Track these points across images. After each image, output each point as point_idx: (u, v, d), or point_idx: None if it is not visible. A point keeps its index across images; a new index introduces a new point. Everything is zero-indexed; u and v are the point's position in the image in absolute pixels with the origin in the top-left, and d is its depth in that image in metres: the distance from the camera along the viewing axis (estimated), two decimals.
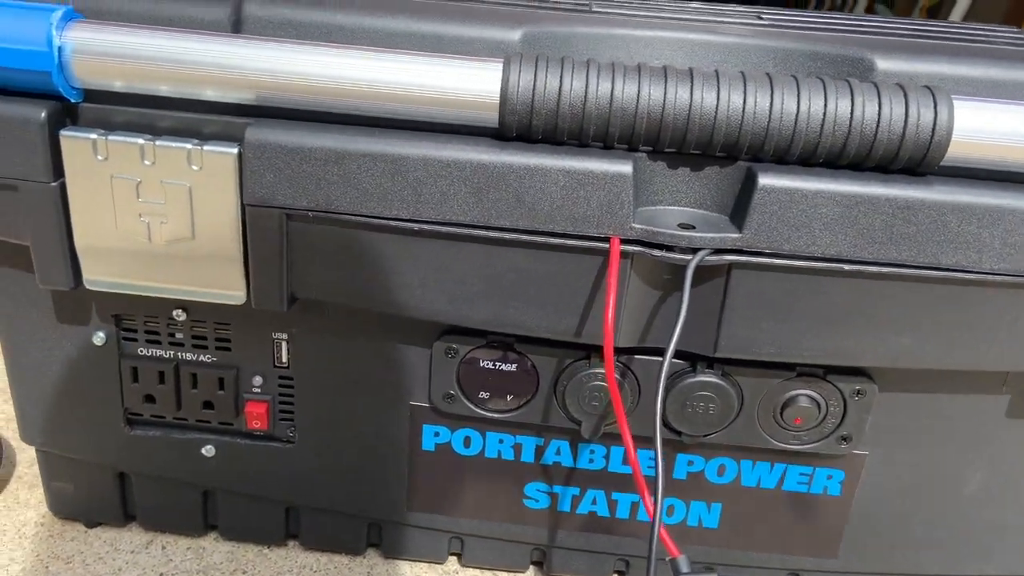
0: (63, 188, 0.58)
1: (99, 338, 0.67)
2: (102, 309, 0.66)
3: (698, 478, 0.68)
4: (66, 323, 0.67)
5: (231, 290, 0.61)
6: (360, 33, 0.59)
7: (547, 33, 0.59)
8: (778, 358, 0.60)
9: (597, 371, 0.63)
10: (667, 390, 0.63)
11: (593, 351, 0.63)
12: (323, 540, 0.75)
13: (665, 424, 0.65)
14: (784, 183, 0.54)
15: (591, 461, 0.69)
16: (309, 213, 0.57)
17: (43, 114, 0.56)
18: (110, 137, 0.57)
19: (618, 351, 0.63)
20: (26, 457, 0.84)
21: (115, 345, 0.67)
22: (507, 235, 0.56)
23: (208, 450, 0.71)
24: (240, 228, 0.58)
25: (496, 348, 0.64)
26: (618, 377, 0.63)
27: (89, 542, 0.75)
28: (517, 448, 0.69)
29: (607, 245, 0.56)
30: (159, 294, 0.62)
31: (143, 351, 0.68)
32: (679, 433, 0.65)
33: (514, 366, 0.64)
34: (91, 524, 0.76)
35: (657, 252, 0.56)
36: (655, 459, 0.56)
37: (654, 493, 0.55)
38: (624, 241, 0.56)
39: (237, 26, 0.59)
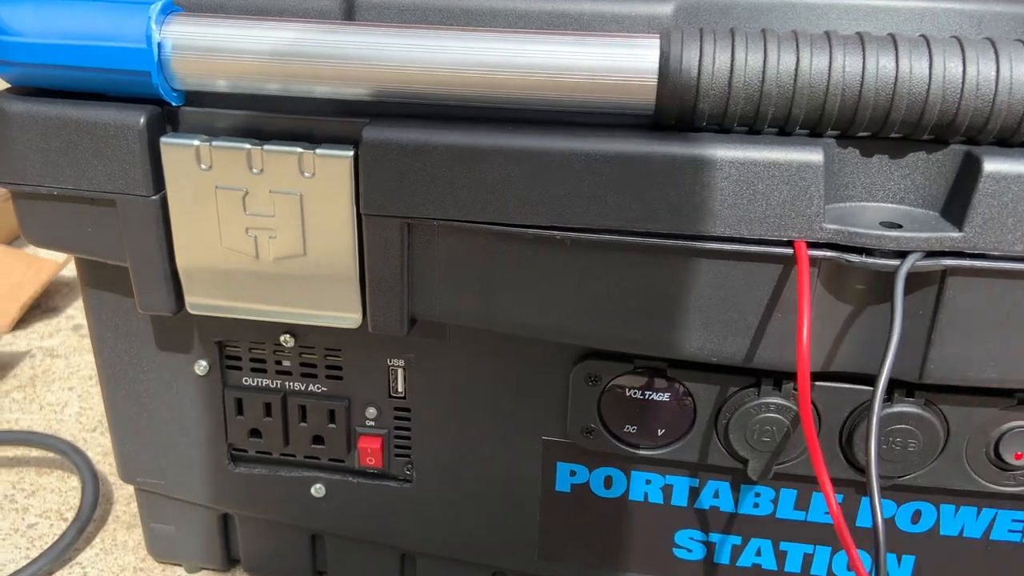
0: (164, 202, 0.52)
1: (201, 367, 0.61)
2: (204, 335, 0.60)
3: (888, 526, 0.58)
4: (166, 351, 0.61)
5: (345, 312, 0.54)
6: (488, 15, 0.51)
7: (703, 3, 0.50)
8: (1000, 384, 0.49)
9: (769, 401, 0.53)
10: (857, 423, 0.53)
11: (763, 377, 0.53)
12: None
13: (850, 463, 0.55)
14: (1017, 169, 0.44)
15: (756, 506, 0.59)
16: (435, 222, 0.50)
17: (142, 120, 0.50)
18: (214, 143, 0.51)
19: (791, 377, 0.53)
20: (124, 495, 0.79)
21: (218, 374, 0.61)
22: (667, 242, 0.48)
23: (318, 490, 0.64)
24: (356, 242, 0.51)
25: (646, 375, 0.55)
26: (792, 407, 0.53)
27: None
28: (667, 490, 0.59)
29: (790, 251, 0.46)
30: (267, 318, 0.55)
31: (248, 381, 0.62)
32: (862, 471, 0.55)
33: (667, 396, 0.55)
34: (193, 569, 0.70)
35: (854, 257, 0.46)
36: (871, 508, 0.45)
37: (874, 547, 0.45)
38: (812, 245, 0.46)
39: (349, 13, 0.52)
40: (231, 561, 0.70)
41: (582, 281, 0.50)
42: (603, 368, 0.55)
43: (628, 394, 0.56)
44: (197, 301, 0.55)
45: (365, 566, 0.67)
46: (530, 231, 0.49)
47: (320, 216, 0.51)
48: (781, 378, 0.53)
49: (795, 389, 0.53)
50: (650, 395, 0.55)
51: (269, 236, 0.52)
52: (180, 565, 0.71)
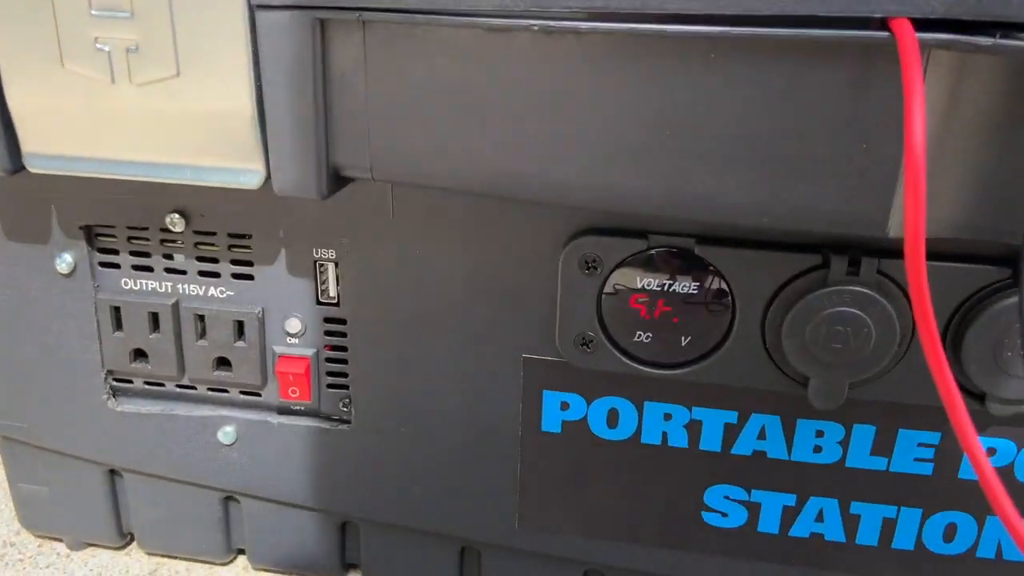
0: None
1: (64, 263, 0.45)
2: (66, 217, 0.45)
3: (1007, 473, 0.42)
4: (15, 239, 0.46)
5: (240, 163, 0.38)
6: None
7: None
8: None
9: (844, 289, 0.37)
10: (970, 321, 0.37)
11: (834, 254, 0.37)
12: (393, 573, 0.51)
13: (961, 386, 0.38)
14: None
15: (818, 450, 0.43)
16: (359, 15, 0.34)
17: None
18: None
19: (876, 251, 0.37)
20: None
21: (88, 274, 0.46)
22: (698, 29, 0.32)
23: (226, 434, 0.48)
24: (251, 52, 0.36)
25: (665, 256, 0.39)
26: (876, 296, 0.37)
27: (71, 571, 0.53)
28: (694, 428, 0.43)
29: (885, 34, 0.31)
30: (131, 174, 0.39)
31: (128, 283, 0.46)
32: (981, 398, 0.39)
33: (695, 287, 0.39)
34: (76, 545, 0.55)
35: (984, 40, 0.30)
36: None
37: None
38: (921, 24, 0.30)
39: None
40: (124, 535, 0.54)
41: (572, 97, 0.34)
42: (604, 248, 0.39)
43: (640, 285, 0.40)
44: (37, 151, 0.40)
45: (294, 537, 0.51)
46: (494, 21, 0.33)
47: (197, 14, 0.36)
48: (859, 254, 0.37)
49: (880, 271, 0.37)
50: (671, 286, 0.39)
51: (127, 49, 0.37)
52: (60, 540, 0.55)
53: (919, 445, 0.41)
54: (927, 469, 0.42)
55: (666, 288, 0.39)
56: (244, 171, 0.39)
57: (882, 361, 0.38)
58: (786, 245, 0.38)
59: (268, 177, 0.38)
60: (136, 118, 0.38)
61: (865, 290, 0.37)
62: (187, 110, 0.38)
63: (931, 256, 0.30)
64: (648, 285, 0.40)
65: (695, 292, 0.39)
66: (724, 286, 0.39)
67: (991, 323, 0.37)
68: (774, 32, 0.31)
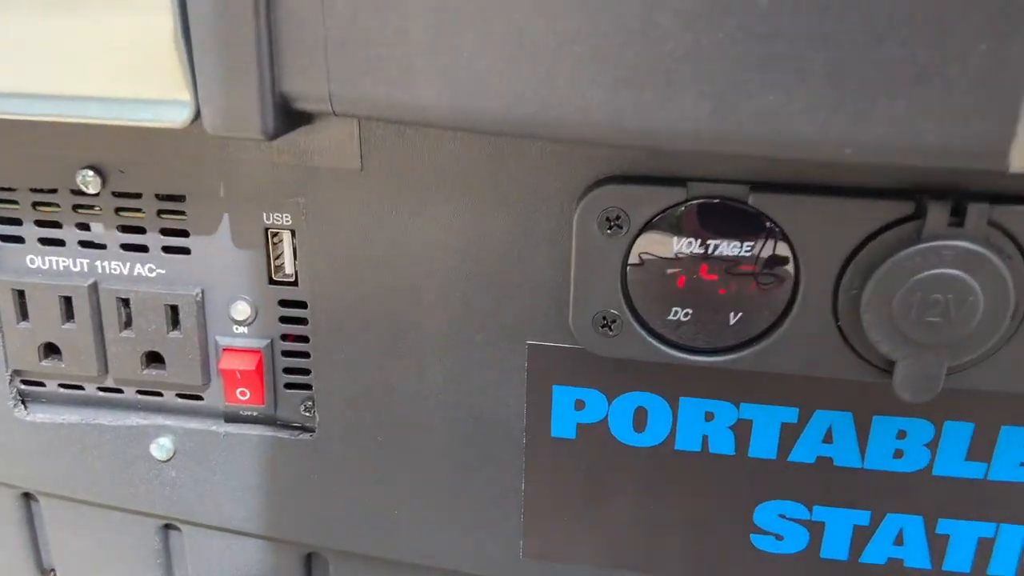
0: None
1: None
2: None
3: None
4: None
5: (160, 93, 0.30)
6: None
7: None
8: None
9: (946, 245, 0.29)
10: None
11: (931, 200, 0.29)
12: None
13: None
14: None
15: (899, 455, 0.34)
16: None
17: None
18: None
19: (988, 197, 0.29)
20: None
21: None
22: None
23: (161, 448, 0.39)
24: None
25: (710, 208, 0.31)
26: (986, 254, 0.29)
27: None
28: (743, 431, 0.35)
29: None
30: (23, 112, 0.31)
31: (35, 261, 0.37)
32: None
33: (747, 247, 0.31)
34: None
35: None
36: None
37: None
38: None
39: None
40: (46, 571, 0.45)
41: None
42: (631, 200, 0.31)
43: (677, 248, 0.31)
44: None
45: (247, 572, 0.42)
46: None
47: None
48: (965, 199, 0.29)
49: (992, 221, 0.29)
50: (717, 248, 0.31)
51: None
52: None
53: None
54: None
55: (711, 251, 0.31)
56: (167, 104, 0.30)
57: (990, 338, 0.30)
58: (868, 191, 0.30)
59: (198, 113, 0.30)
60: (30, 41, 0.30)
61: (972, 246, 0.29)
62: (92, 27, 0.29)
63: None
64: (687, 248, 0.31)
65: (748, 255, 0.31)
66: (785, 246, 0.30)
67: None
68: None
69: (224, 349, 0.37)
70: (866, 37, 0.25)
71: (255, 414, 0.39)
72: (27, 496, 0.43)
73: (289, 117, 0.30)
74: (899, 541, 0.36)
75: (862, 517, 0.35)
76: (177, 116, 0.30)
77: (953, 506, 0.35)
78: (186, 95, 0.30)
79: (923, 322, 0.30)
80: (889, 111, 0.26)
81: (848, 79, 0.25)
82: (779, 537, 0.36)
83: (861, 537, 0.36)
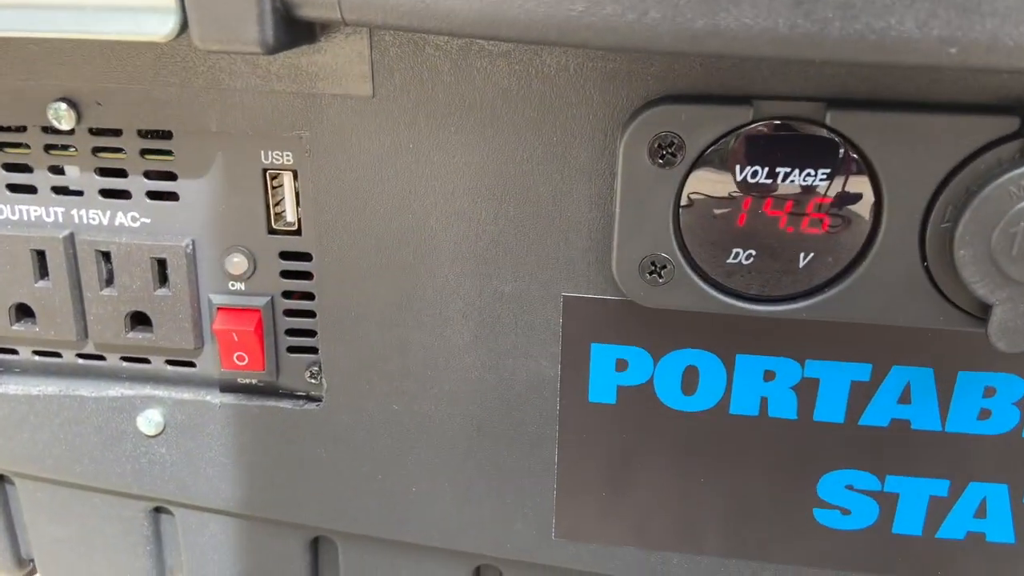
0: None
1: None
2: None
3: None
4: None
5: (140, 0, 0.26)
6: None
7: None
8: None
9: None
10: None
11: None
12: None
13: None
14: None
15: (986, 416, 0.30)
16: None
17: None
18: None
19: None
20: None
21: None
22: None
23: (149, 421, 0.35)
24: None
25: (780, 130, 0.27)
26: None
27: None
28: (807, 391, 0.31)
29: None
30: None
31: (3, 212, 0.33)
32: None
33: (822, 175, 0.27)
34: None
35: None
36: None
37: None
38: None
39: None
40: (22, 562, 0.41)
41: None
42: (687, 123, 0.27)
43: (740, 179, 0.27)
44: None
45: (247, 560, 0.38)
46: None
47: None
48: None
49: None
50: (788, 177, 0.27)
51: None
52: None
53: None
54: None
55: (778, 182, 0.27)
56: (149, 13, 0.26)
57: None
58: (963, 106, 0.26)
59: (185, 24, 0.26)
60: None
61: None
62: None
63: None
64: (752, 178, 0.27)
65: (822, 186, 0.27)
66: (866, 175, 0.27)
67: None
68: None
69: (219, 308, 0.33)
70: None
71: (254, 382, 0.35)
72: (1, 479, 0.39)
73: (291, 28, 0.26)
74: (981, 513, 0.32)
75: (940, 487, 0.31)
76: (161, 28, 0.26)
77: None
78: (171, 1, 0.26)
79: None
80: (999, 6, 0.22)
81: None
82: (845, 511, 0.32)
83: (938, 510, 0.32)
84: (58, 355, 0.35)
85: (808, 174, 0.27)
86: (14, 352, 0.35)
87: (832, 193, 0.27)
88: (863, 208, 0.27)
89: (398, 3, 0.25)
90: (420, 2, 0.25)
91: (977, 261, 0.26)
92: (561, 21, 0.24)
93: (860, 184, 0.27)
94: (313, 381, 0.34)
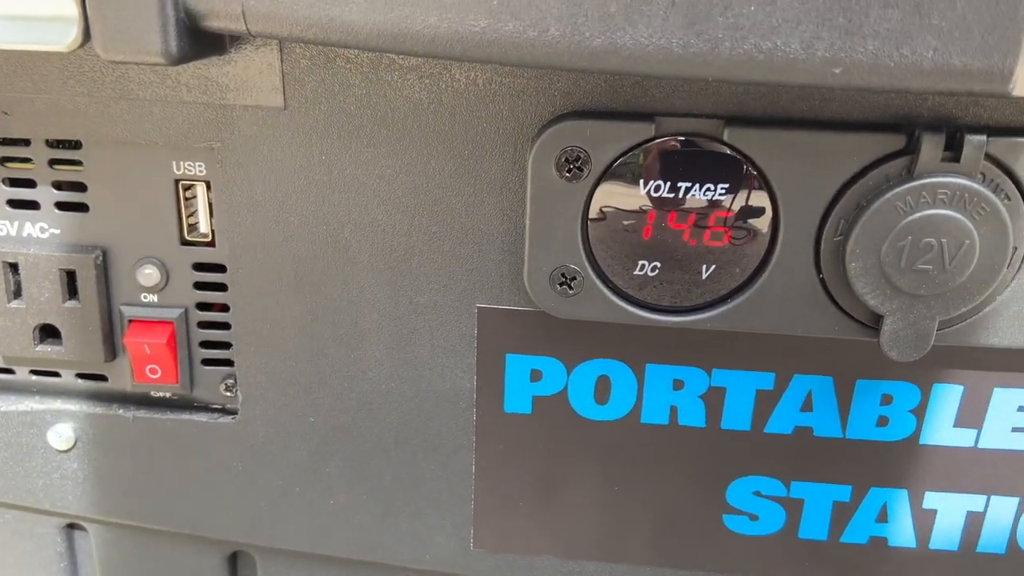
0: None
1: None
2: None
3: None
4: None
5: (42, 8, 0.25)
6: None
7: None
8: None
9: (939, 182, 0.26)
10: None
11: (925, 131, 0.26)
12: None
13: None
14: None
15: (884, 423, 0.31)
16: None
17: None
18: None
19: (985, 129, 0.26)
20: None
21: None
22: None
23: (59, 436, 0.34)
24: None
25: (681, 146, 0.27)
26: (983, 192, 0.26)
27: None
28: (714, 400, 0.32)
29: None
30: None
31: None
32: None
33: (722, 189, 0.28)
34: None
35: None
36: None
37: None
38: None
39: None
40: None
41: None
42: (593, 138, 0.27)
43: (644, 193, 0.28)
44: None
45: (165, 575, 0.38)
46: None
47: None
48: (959, 132, 0.26)
49: (990, 155, 0.26)
50: (690, 192, 0.28)
51: None
52: None
53: (1020, 410, 0.31)
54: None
55: (681, 196, 0.28)
56: (51, 23, 0.25)
57: (987, 288, 0.27)
58: (853, 123, 0.27)
59: (88, 33, 0.25)
60: None
61: (968, 183, 0.26)
62: None
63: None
64: (656, 192, 0.28)
65: (722, 200, 0.28)
66: (763, 189, 0.27)
67: None
68: None
69: (131, 321, 0.33)
70: None
71: (168, 395, 0.34)
72: None
73: (197, 39, 0.26)
74: (882, 518, 0.33)
75: (843, 492, 0.33)
76: (63, 38, 0.26)
77: (941, 478, 0.32)
78: (73, 9, 0.25)
79: (914, 270, 0.27)
80: (884, 22, 0.23)
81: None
82: (754, 517, 0.33)
83: (842, 515, 0.33)
84: None
85: (709, 189, 0.28)
86: None
87: (733, 207, 0.28)
88: (762, 222, 0.28)
89: (303, 16, 0.25)
90: (324, 15, 0.25)
91: (868, 273, 0.27)
92: (464, 36, 0.24)
93: (759, 198, 0.28)
94: (228, 394, 0.34)
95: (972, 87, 0.23)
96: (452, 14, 0.24)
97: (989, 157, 0.26)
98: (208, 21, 0.25)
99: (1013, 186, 0.26)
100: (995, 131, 0.26)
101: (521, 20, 0.24)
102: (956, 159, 0.26)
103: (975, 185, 0.26)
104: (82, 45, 0.26)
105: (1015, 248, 0.27)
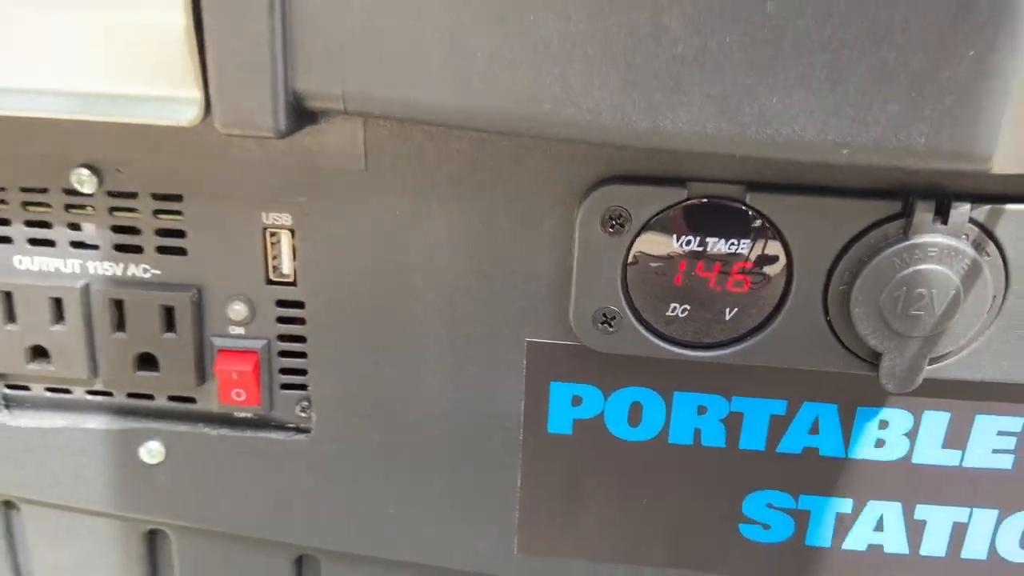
0: None
1: None
2: None
3: None
4: None
5: (169, 90, 0.30)
6: None
7: None
8: None
9: (929, 242, 0.31)
10: None
11: (919, 199, 0.31)
12: None
13: None
14: None
15: (880, 445, 0.36)
16: None
17: None
18: None
19: (970, 197, 0.31)
20: None
21: None
22: None
23: (150, 452, 0.39)
24: None
25: (709, 208, 0.32)
26: (968, 251, 0.31)
27: None
28: (733, 423, 0.36)
29: None
30: (25, 108, 0.30)
31: (23, 262, 0.37)
32: None
33: (744, 245, 0.32)
34: None
35: None
36: None
37: None
38: None
39: None
40: None
41: (591, 14, 0.27)
42: (633, 200, 0.32)
43: (676, 246, 0.32)
44: None
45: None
46: None
47: None
48: (947, 200, 0.31)
49: (973, 220, 0.31)
50: (715, 246, 0.32)
51: None
52: None
53: (999, 434, 0.35)
54: (1007, 462, 0.36)
55: (708, 249, 0.32)
56: (176, 101, 0.30)
57: (969, 330, 0.32)
58: (858, 191, 0.31)
59: (208, 111, 0.30)
60: (33, 34, 0.29)
61: (954, 242, 0.31)
62: (101, 21, 0.29)
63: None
64: (686, 245, 0.32)
65: (744, 252, 0.32)
66: (779, 244, 0.32)
67: None
68: None
69: (220, 350, 0.37)
70: (864, 42, 0.26)
71: (250, 416, 0.39)
72: (7, 504, 0.42)
73: (300, 116, 0.30)
74: (879, 527, 0.37)
75: (845, 505, 0.37)
76: (186, 114, 0.30)
77: (930, 492, 0.36)
78: (196, 92, 0.30)
79: (908, 315, 0.31)
80: (884, 114, 0.27)
81: (847, 82, 0.27)
82: (766, 526, 0.38)
83: (843, 524, 0.37)
84: (68, 392, 0.39)
85: (732, 243, 0.32)
86: (27, 388, 0.39)
87: (752, 258, 0.32)
88: (778, 272, 0.32)
89: (392, 98, 0.30)
90: (410, 98, 0.29)
91: (868, 318, 0.32)
92: (530, 118, 0.29)
93: (775, 251, 0.32)
94: (303, 415, 0.38)
95: (958, 166, 0.28)
96: (522, 101, 0.28)
97: (973, 221, 0.31)
98: (312, 102, 0.30)
99: (993, 245, 0.31)
100: (978, 199, 0.31)
101: (579, 107, 0.28)
102: (944, 222, 0.31)
103: (960, 245, 0.30)
104: (202, 121, 0.30)
105: (994, 296, 0.32)
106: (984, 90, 0.26)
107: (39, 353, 0.38)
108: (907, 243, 0.31)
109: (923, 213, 0.31)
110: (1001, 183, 0.30)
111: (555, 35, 0.27)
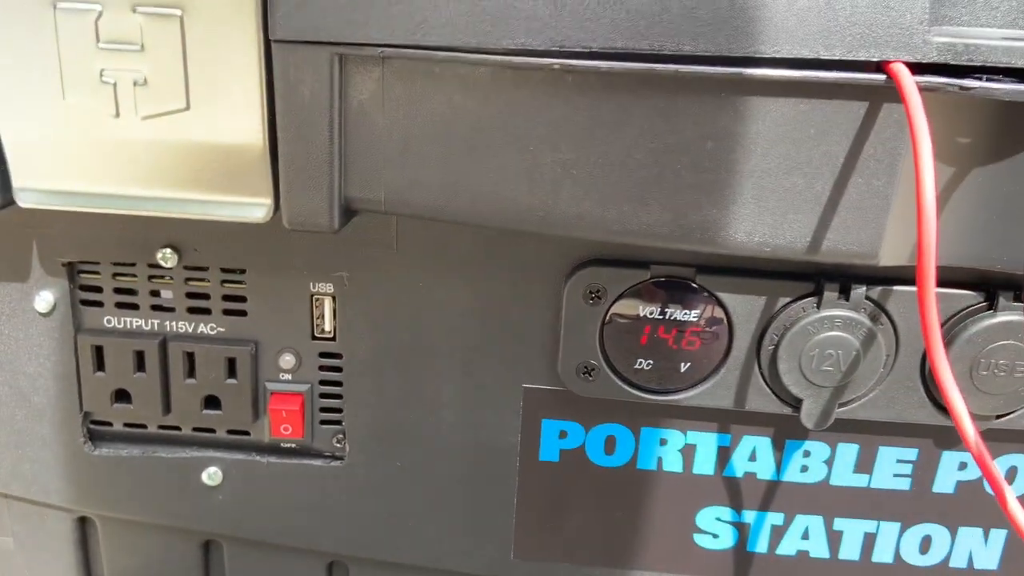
0: None
1: (44, 302, 0.44)
2: (48, 253, 0.43)
3: (975, 490, 0.44)
4: None
5: (247, 196, 0.38)
6: None
7: None
8: None
9: (835, 315, 0.40)
10: (952, 340, 0.40)
11: (827, 282, 0.40)
12: None
13: (933, 400, 0.41)
14: None
15: (804, 470, 0.45)
16: (381, 50, 0.35)
17: None
18: None
19: (862, 279, 0.40)
20: None
21: (69, 312, 0.44)
22: (707, 70, 0.34)
23: (212, 475, 0.47)
24: (263, 84, 0.36)
25: (667, 286, 0.41)
26: (865, 321, 0.40)
27: None
28: (689, 453, 0.45)
29: (883, 78, 0.33)
30: (132, 209, 0.38)
31: (111, 321, 0.45)
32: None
33: (695, 314, 0.41)
34: None
35: (972, 83, 0.33)
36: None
37: None
38: (917, 68, 0.33)
39: None
40: None
41: (585, 135, 0.35)
42: (608, 278, 0.41)
43: (642, 314, 0.41)
44: (30, 186, 0.38)
45: None
46: (515, 59, 0.34)
47: (210, 47, 0.36)
48: (850, 281, 0.40)
49: (868, 297, 0.40)
50: (672, 314, 0.41)
51: (134, 81, 0.36)
52: None
53: (898, 461, 0.44)
54: (905, 484, 0.45)
55: (667, 316, 0.41)
56: (252, 204, 0.38)
57: (869, 382, 0.41)
58: (781, 274, 0.40)
59: (276, 210, 0.38)
60: (139, 151, 0.38)
61: (855, 315, 0.40)
62: (195, 143, 0.37)
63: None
64: (650, 314, 0.41)
65: (694, 319, 0.41)
66: (722, 313, 0.41)
67: (968, 344, 0.40)
68: (781, 73, 0.33)
69: (272, 393, 0.45)
70: (780, 171, 0.35)
71: (294, 446, 0.47)
72: (83, 520, 0.49)
73: (348, 214, 0.39)
74: (805, 536, 0.46)
75: (777, 518, 0.46)
76: (259, 214, 0.38)
77: (845, 508, 0.45)
78: (268, 199, 0.38)
79: (821, 370, 0.40)
80: (796, 223, 0.36)
81: (768, 200, 0.36)
82: (715, 536, 0.46)
83: (777, 534, 0.46)
84: (143, 426, 0.47)
85: (686, 312, 0.41)
86: (109, 424, 0.47)
87: (701, 323, 0.41)
88: (721, 334, 0.41)
89: (420, 203, 0.38)
90: (435, 203, 0.38)
91: (791, 371, 0.41)
92: (529, 220, 0.37)
93: (719, 318, 0.41)
94: (338, 445, 0.46)
95: (853, 261, 0.37)
96: (522, 208, 0.37)
97: (868, 298, 0.40)
98: (358, 205, 0.38)
99: (885, 316, 0.40)
100: (872, 281, 0.40)
101: (567, 213, 0.37)
102: (847, 299, 0.40)
103: (859, 317, 0.39)
104: (270, 219, 0.39)
105: (887, 355, 0.41)
106: (870, 207, 0.35)
107: (121, 396, 0.45)
108: (819, 315, 0.40)
109: (830, 292, 0.39)
110: (889, 271, 0.39)
111: (549, 161, 0.36)
